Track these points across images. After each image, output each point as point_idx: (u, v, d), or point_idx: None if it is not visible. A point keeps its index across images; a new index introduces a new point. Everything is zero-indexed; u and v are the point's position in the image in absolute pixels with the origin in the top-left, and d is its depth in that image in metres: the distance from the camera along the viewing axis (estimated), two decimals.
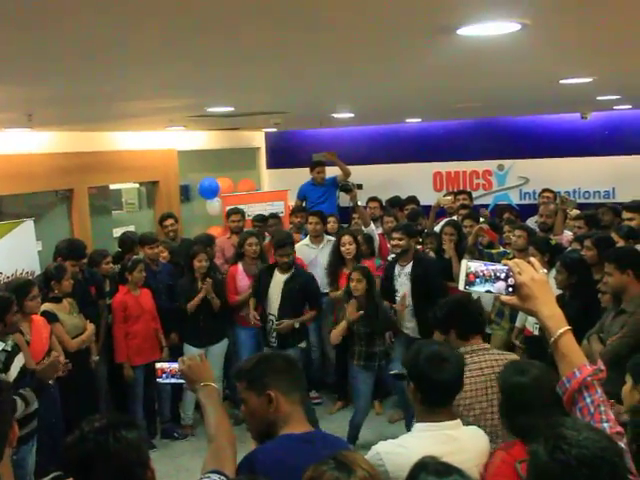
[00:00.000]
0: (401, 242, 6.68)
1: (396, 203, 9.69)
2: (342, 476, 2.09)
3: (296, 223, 8.90)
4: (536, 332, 6.21)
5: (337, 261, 7.27)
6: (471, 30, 2.83)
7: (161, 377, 2.92)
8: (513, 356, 3.97)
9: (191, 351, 6.72)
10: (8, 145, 7.50)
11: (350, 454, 2.30)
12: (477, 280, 2.10)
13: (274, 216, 8.82)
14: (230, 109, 6.03)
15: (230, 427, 2.61)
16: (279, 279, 6.82)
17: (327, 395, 7.77)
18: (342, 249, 7.19)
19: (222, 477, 2.25)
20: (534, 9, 2.55)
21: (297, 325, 6.76)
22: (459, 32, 2.84)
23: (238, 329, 7.43)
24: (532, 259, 2.16)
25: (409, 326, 6.74)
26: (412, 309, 6.68)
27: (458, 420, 2.99)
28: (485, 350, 3.81)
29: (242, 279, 7.31)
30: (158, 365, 2.95)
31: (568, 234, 7.39)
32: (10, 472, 2.28)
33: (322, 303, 7.17)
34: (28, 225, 7.28)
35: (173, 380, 2.93)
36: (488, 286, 2.09)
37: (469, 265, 2.12)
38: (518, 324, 6.63)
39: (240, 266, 7.36)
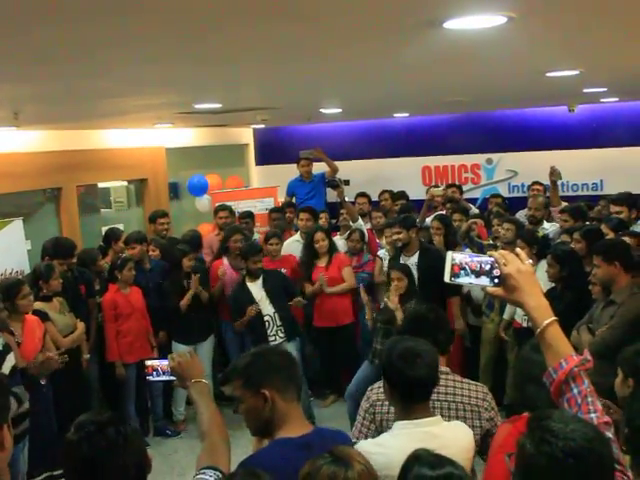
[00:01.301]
0: (400, 235, 6.69)
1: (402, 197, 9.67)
2: (339, 470, 2.11)
3: (286, 219, 8.92)
4: (525, 324, 6.24)
5: (310, 256, 7.37)
6: (457, 24, 2.83)
7: (151, 375, 2.92)
8: (477, 386, 3.44)
9: (180, 349, 6.72)
10: None
11: (346, 449, 2.31)
12: (462, 272, 2.09)
13: (248, 215, 8.79)
14: (218, 105, 6.03)
15: (223, 423, 2.60)
16: (255, 285, 6.87)
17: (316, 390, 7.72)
18: (316, 246, 7.29)
19: (217, 473, 2.26)
20: (520, 2, 2.56)
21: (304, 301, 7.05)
22: (445, 26, 2.84)
23: (224, 324, 7.46)
24: (518, 250, 2.15)
25: None
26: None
27: (439, 416, 2.97)
28: (442, 373, 3.25)
29: (227, 273, 7.35)
30: (148, 363, 2.94)
31: (555, 226, 7.44)
32: (6, 471, 2.27)
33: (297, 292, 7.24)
34: (17, 224, 7.26)
35: (164, 377, 2.92)
36: (473, 278, 2.09)
37: (454, 257, 2.11)
38: (506, 316, 6.65)
39: (225, 260, 7.40)
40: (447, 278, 2.11)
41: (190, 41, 2.91)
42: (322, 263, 7.28)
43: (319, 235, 7.33)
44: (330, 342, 7.34)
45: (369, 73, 4.58)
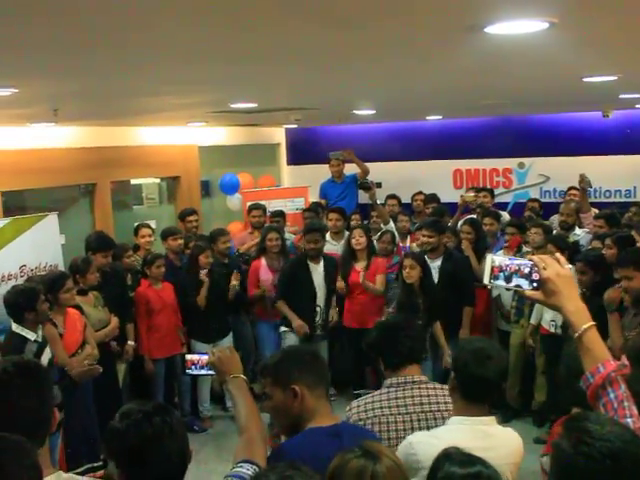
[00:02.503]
0: (431, 239, 6.69)
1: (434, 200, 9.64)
2: (368, 464, 2.12)
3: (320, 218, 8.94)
4: (552, 330, 6.23)
5: (349, 255, 7.35)
6: (499, 29, 2.84)
7: (190, 369, 2.96)
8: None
9: (199, 347, 6.82)
10: (33, 140, 7.57)
11: (376, 444, 2.33)
12: (501, 274, 2.11)
13: (279, 214, 8.83)
14: (253, 105, 6.06)
15: (260, 418, 2.63)
16: (316, 269, 6.94)
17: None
18: (352, 241, 7.28)
19: (254, 467, 2.28)
20: (562, 7, 2.57)
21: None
22: (487, 30, 2.86)
23: (259, 323, 7.52)
24: (558, 255, 2.15)
25: None
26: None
27: (494, 417, 2.99)
28: (416, 383, 3.36)
29: (265, 273, 7.38)
30: (188, 357, 2.98)
31: (586, 232, 7.41)
32: (49, 459, 2.32)
33: None
34: (52, 219, 7.34)
35: (202, 372, 2.96)
36: (512, 281, 2.10)
37: (494, 259, 2.13)
38: (533, 321, 6.64)
39: (263, 260, 7.41)
40: (486, 280, 2.12)
41: (227, 40, 2.94)
42: (360, 266, 7.19)
43: (357, 232, 7.34)
44: (358, 342, 7.33)
45: (407, 76, 4.59)
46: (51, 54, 3.06)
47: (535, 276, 2.08)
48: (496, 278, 2.11)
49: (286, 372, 2.71)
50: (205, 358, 2.89)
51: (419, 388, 3.34)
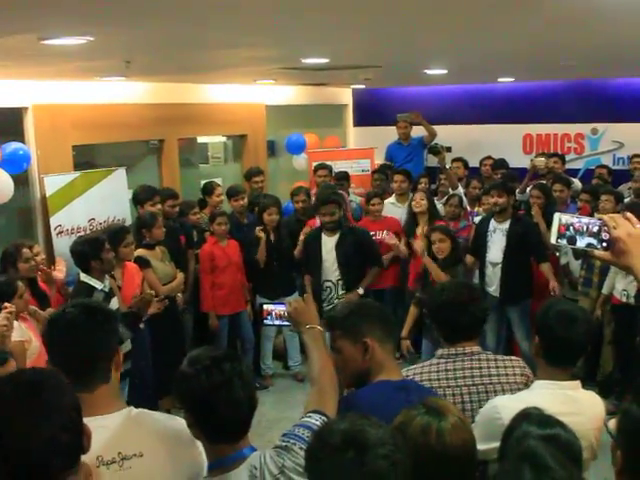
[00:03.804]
0: (500, 200, 6.52)
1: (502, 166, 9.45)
2: (433, 421, 2.10)
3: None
4: (624, 300, 6.07)
5: (412, 218, 7.28)
6: None
7: (267, 319, 2.96)
8: (513, 361, 3.30)
9: None
10: (103, 95, 7.63)
11: (441, 400, 2.33)
12: (567, 233, 2.03)
13: (344, 176, 8.75)
14: (325, 60, 5.96)
15: (333, 370, 2.61)
16: (329, 243, 6.69)
17: None
18: (412, 203, 7.19)
19: (323, 417, 2.29)
20: None
21: (362, 292, 6.61)
22: None
23: None
24: (629, 214, 2.06)
25: (491, 288, 6.64)
26: (500, 268, 6.58)
27: (578, 382, 2.91)
28: (468, 355, 3.21)
29: None
30: (265, 306, 2.98)
31: None
32: (118, 395, 2.36)
33: (381, 258, 6.96)
34: (120, 173, 7.46)
35: (278, 322, 2.97)
36: (580, 239, 2.03)
37: (561, 217, 2.05)
38: (605, 291, 6.48)
39: (318, 220, 7.23)
40: (553, 239, 2.05)
41: None
42: (420, 230, 7.06)
43: (418, 194, 7.28)
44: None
45: (487, 30, 4.43)
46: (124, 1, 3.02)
47: (605, 235, 2.00)
48: (563, 237, 2.04)
49: (356, 326, 2.72)
50: (282, 308, 2.89)
51: (470, 360, 3.20)
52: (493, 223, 6.67)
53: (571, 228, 2.03)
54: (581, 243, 2.03)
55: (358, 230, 6.96)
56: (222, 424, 2.13)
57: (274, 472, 2.11)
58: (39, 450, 1.55)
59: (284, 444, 2.19)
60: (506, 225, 6.58)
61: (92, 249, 5.18)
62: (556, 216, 2.06)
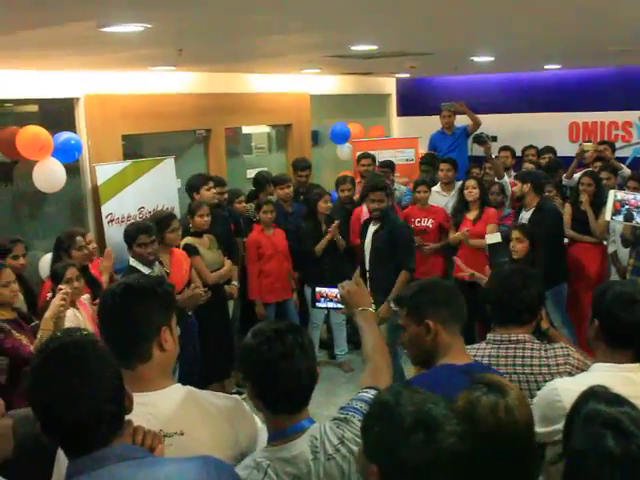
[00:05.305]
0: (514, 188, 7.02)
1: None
2: (499, 399, 2.07)
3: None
4: None
5: (460, 205, 7.30)
6: None
7: (319, 301, 2.99)
8: (561, 350, 3.21)
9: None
10: (153, 85, 7.72)
11: (494, 376, 2.29)
12: (623, 209, 2.01)
13: (388, 164, 8.71)
14: (374, 47, 5.95)
15: (386, 349, 2.67)
16: (370, 232, 6.65)
17: None
18: (465, 192, 7.20)
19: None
20: None
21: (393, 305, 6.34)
22: None
23: None
24: None
25: None
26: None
27: (639, 364, 2.85)
28: (513, 342, 3.15)
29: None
30: (317, 289, 3.01)
31: None
32: (165, 374, 2.35)
33: (413, 263, 6.51)
34: (169, 162, 7.54)
35: (330, 305, 3.00)
36: (637, 215, 2.01)
37: (616, 194, 2.04)
38: None
39: (365, 208, 7.20)
40: (608, 216, 2.04)
41: None
42: (471, 216, 7.15)
43: (470, 182, 7.25)
44: (470, 294, 7.22)
45: (536, 13, 4.37)
46: None
47: None
48: (619, 213, 2.03)
49: (421, 306, 2.73)
50: (334, 291, 2.92)
51: (515, 348, 3.14)
52: (522, 213, 6.97)
53: (626, 204, 2.02)
54: (638, 219, 2.01)
55: (400, 226, 6.74)
56: (283, 394, 2.17)
57: (334, 442, 2.16)
58: (87, 419, 1.71)
59: (343, 416, 2.26)
60: (529, 214, 6.81)
61: (127, 237, 5.51)
62: (611, 193, 2.05)
